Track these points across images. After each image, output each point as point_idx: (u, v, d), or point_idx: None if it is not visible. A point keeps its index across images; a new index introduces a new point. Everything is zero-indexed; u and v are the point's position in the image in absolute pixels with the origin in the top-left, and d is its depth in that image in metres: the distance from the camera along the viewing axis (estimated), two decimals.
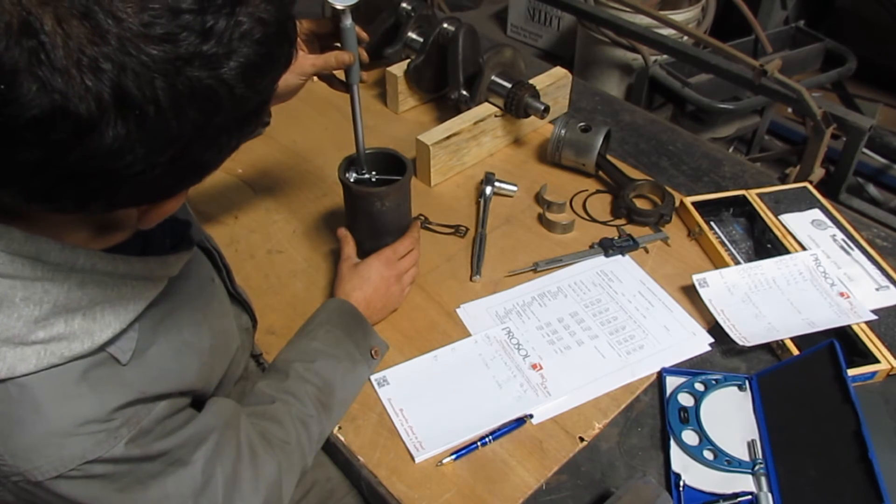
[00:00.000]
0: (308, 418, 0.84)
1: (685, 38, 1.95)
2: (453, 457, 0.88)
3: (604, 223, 1.23)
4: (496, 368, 0.99)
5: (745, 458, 0.87)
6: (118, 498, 0.61)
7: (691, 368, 0.99)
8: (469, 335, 1.03)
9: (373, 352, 0.95)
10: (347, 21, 0.96)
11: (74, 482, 0.57)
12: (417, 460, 0.88)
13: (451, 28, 1.39)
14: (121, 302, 0.58)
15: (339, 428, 0.92)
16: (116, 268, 0.58)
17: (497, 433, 0.89)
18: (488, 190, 1.26)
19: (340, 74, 1.02)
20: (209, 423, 0.70)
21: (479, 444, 0.89)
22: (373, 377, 0.97)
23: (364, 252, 1.10)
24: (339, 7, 0.92)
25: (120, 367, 0.59)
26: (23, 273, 0.53)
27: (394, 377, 0.97)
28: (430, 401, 0.94)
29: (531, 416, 0.91)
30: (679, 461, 0.87)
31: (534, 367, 0.99)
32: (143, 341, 0.62)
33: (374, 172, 1.05)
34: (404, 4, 1.51)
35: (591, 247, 1.18)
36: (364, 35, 1.00)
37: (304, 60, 0.96)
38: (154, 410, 0.62)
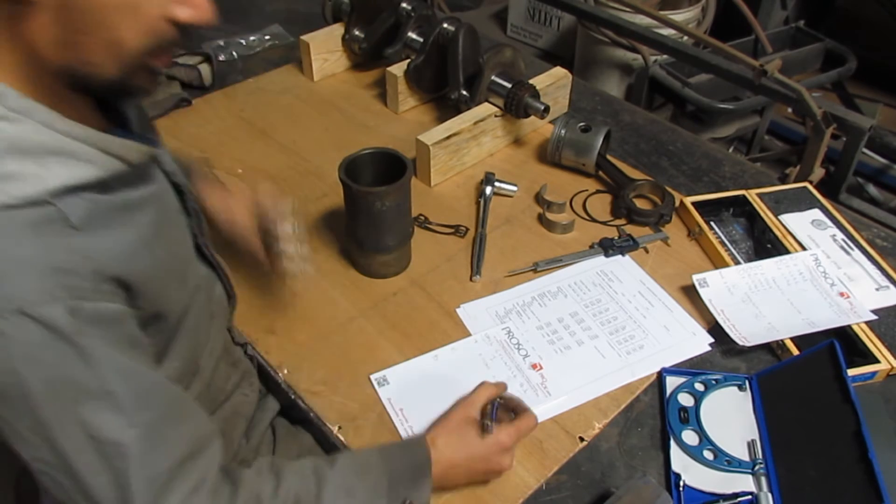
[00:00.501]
0: (267, 502, 0.71)
1: (685, 38, 1.95)
2: None
3: (604, 223, 1.23)
4: (496, 368, 0.99)
5: (745, 458, 0.87)
6: (37, 378, 0.58)
7: (691, 368, 0.99)
8: (469, 335, 1.03)
9: (405, 503, 0.78)
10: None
11: (4, 335, 0.56)
12: None
13: (451, 28, 1.39)
14: (73, 161, 0.60)
15: (339, 428, 0.92)
16: (72, 129, 0.60)
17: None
18: (488, 190, 1.26)
19: None
20: (173, 403, 0.67)
21: None
22: (373, 377, 0.97)
23: (364, 252, 1.10)
24: None
25: (71, 230, 0.60)
26: None
27: (394, 377, 0.97)
28: (429, 400, 0.94)
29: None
30: (679, 461, 0.87)
31: (534, 367, 0.99)
32: (99, 216, 0.62)
33: None
34: (404, 4, 1.51)
35: (591, 247, 1.18)
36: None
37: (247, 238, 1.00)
38: (104, 298, 0.61)
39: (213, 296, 0.88)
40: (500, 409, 0.87)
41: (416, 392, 0.96)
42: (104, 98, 0.71)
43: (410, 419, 0.92)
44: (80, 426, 0.60)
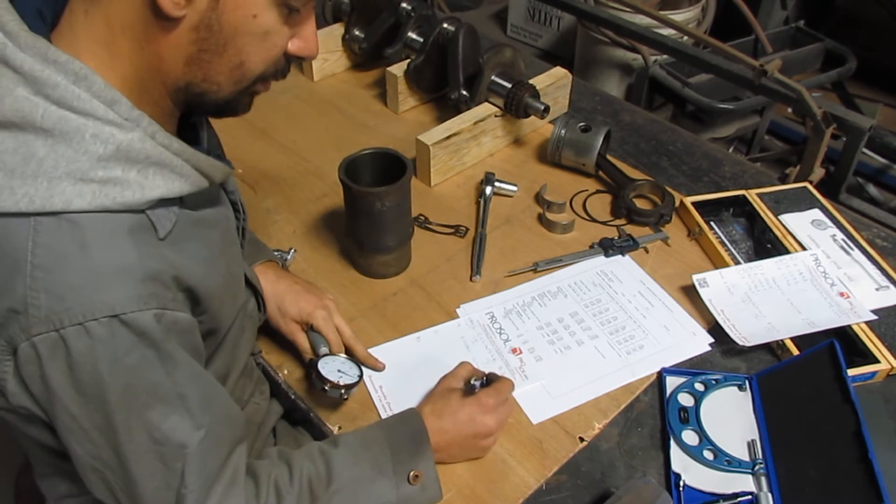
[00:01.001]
0: (287, 492, 0.74)
1: (685, 38, 1.95)
2: None
3: (604, 223, 1.23)
4: (476, 351, 1.00)
5: (745, 458, 0.87)
6: (118, 383, 0.60)
7: (691, 368, 0.99)
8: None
9: (411, 476, 0.79)
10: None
11: (94, 338, 0.58)
12: None
13: (451, 28, 1.39)
14: (170, 174, 0.63)
15: (339, 428, 0.92)
16: (171, 143, 0.62)
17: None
18: (488, 190, 1.26)
19: None
20: (225, 404, 0.70)
21: None
22: None
23: (364, 252, 1.10)
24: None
25: (158, 239, 0.63)
26: (98, 113, 0.58)
27: (376, 356, 0.99)
28: (410, 380, 0.97)
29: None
30: (679, 461, 0.87)
31: (514, 351, 1.00)
32: (180, 230, 0.65)
33: None
34: (404, 4, 1.51)
35: (591, 247, 1.18)
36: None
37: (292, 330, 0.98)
38: (180, 308, 0.64)
39: (248, 310, 0.89)
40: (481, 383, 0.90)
41: (396, 371, 0.98)
42: (190, 116, 0.73)
43: (389, 397, 0.95)
44: (146, 430, 0.63)
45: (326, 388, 0.88)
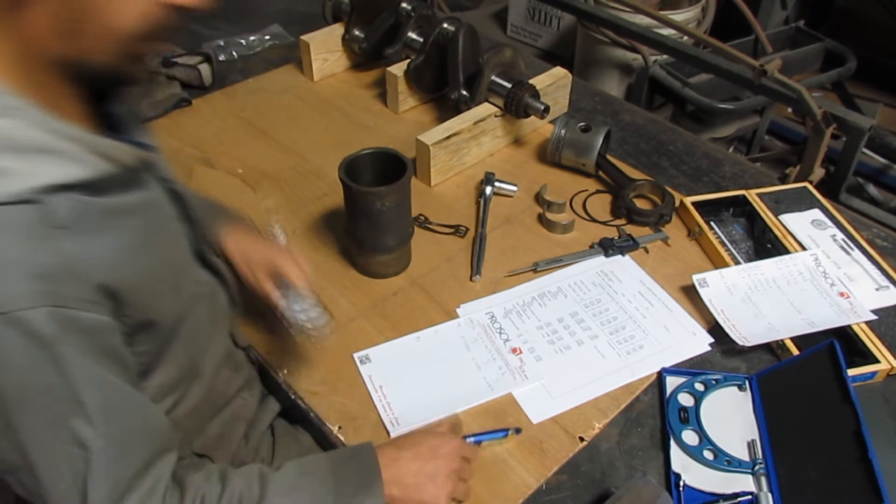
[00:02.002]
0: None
1: (685, 38, 1.95)
2: None
3: (604, 223, 1.23)
4: (476, 350, 1.00)
5: (745, 458, 0.87)
6: (10, 384, 0.58)
7: (691, 368, 0.99)
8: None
9: None
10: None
11: None
12: (392, 435, 0.89)
13: (451, 28, 1.39)
14: (60, 160, 0.60)
15: (340, 428, 0.92)
16: (61, 128, 0.60)
17: (479, 437, 0.89)
18: (488, 190, 1.26)
19: None
20: (139, 412, 0.67)
21: None
22: (355, 355, 0.99)
23: (364, 252, 1.10)
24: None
25: (58, 232, 0.60)
26: None
27: (376, 355, 0.99)
28: (409, 379, 0.97)
29: (518, 430, 0.90)
30: (679, 461, 0.87)
31: (513, 351, 1.00)
32: (88, 219, 0.62)
33: None
34: (404, 4, 1.51)
35: (591, 247, 1.18)
36: None
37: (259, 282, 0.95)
38: (84, 307, 0.60)
39: (217, 302, 0.88)
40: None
41: (396, 370, 0.98)
42: (99, 98, 0.71)
43: (389, 396, 0.94)
44: (49, 431, 0.61)
45: (293, 330, 0.88)
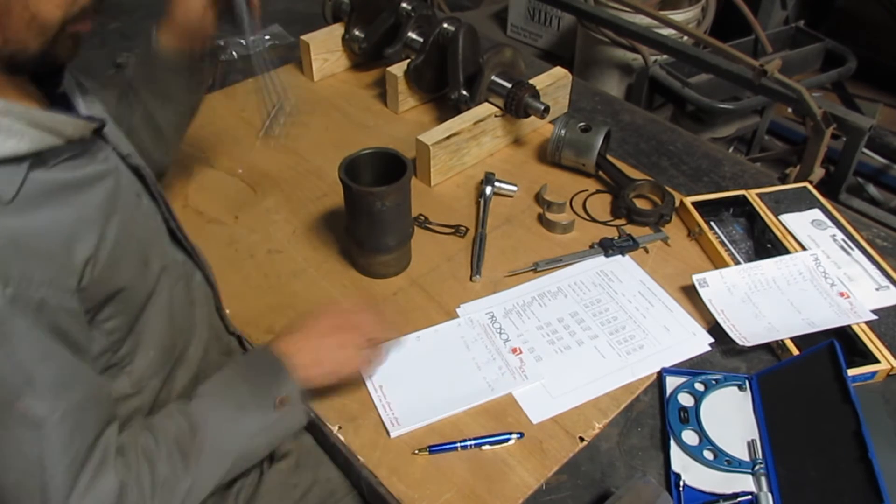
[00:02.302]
0: (157, 456, 0.72)
1: (685, 38, 1.95)
2: (428, 450, 0.88)
3: (604, 223, 1.23)
4: (476, 350, 1.00)
5: (745, 458, 0.87)
6: None
7: (691, 368, 0.99)
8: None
9: (277, 402, 0.80)
10: None
11: None
12: (392, 435, 0.90)
13: (451, 28, 1.39)
14: None
15: (339, 428, 0.92)
16: None
17: (479, 441, 0.89)
18: (488, 190, 1.26)
19: None
20: (89, 384, 0.67)
21: (459, 446, 0.89)
22: None
23: (364, 252, 1.10)
24: None
25: (1, 206, 0.59)
26: None
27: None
28: (409, 379, 0.96)
29: (521, 434, 0.90)
30: (679, 461, 0.87)
31: (514, 350, 1.00)
32: (36, 194, 0.62)
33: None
34: (404, 4, 1.51)
35: (591, 247, 1.18)
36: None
37: None
38: (31, 285, 0.60)
39: (193, 283, 0.88)
40: None
41: (396, 370, 0.97)
42: (42, 80, 0.71)
43: (389, 395, 0.94)
44: None
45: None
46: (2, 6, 0.60)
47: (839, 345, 0.88)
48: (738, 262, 1.12)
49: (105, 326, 0.72)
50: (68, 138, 0.65)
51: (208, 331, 0.91)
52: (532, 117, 1.33)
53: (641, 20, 2.01)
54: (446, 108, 1.43)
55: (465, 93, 1.36)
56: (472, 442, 0.89)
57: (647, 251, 1.17)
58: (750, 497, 0.83)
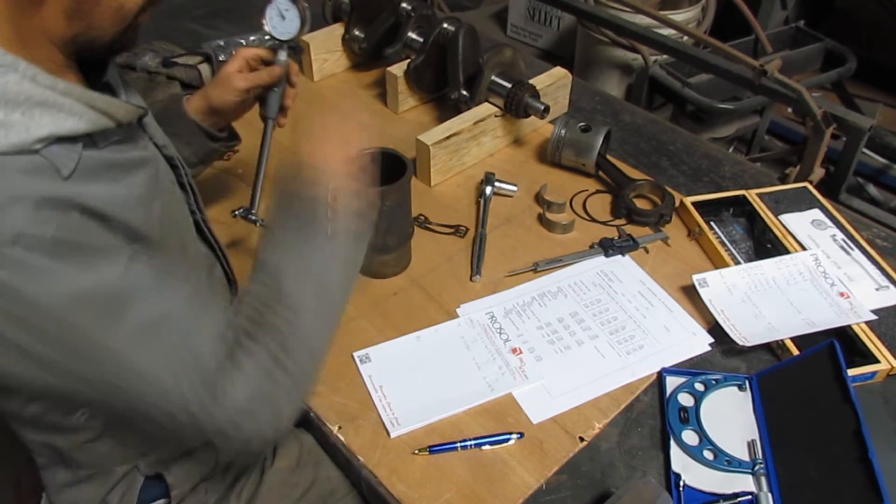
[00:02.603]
0: (272, 324, 0.71)
1: (685, 38, 1.95)
2: (428, 450, 0.88)
3: (604, 223, 1.23)
4: (476, 350, 1.00)
5: (745, 458, 0.87)
6: (58, 302, 0.60)
7: (691, 368, 0.99)
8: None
9: (329, 212, 0.76)
10: (282, 56, 1.01)
11: (10, 264, 0.57)
12: (393, 436, 0.90)
13: (451, 28, 1.39)
14: (59, 113, 0.62)
15: (339, 428, 0.92)
16: (56, 84, 0.62)
17: (480, 441, 0.89)
18: (488, 190, 1.26)
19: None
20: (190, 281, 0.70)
21: (459, 446, 0.89)
22: (355, 354, 0.99)
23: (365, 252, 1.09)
24: (280, 39, 1.00)
25: (60, 180, 0.62)
26: None
27: (376, 355, 0.99)
28: (409, 379, 0.97)
29: (521, 435, 0.90)
30: (679, 461, 0.87)
31: (514, 351, 1.00)
32: (88, 171, 0.64)
33: (261, 220, 1.02)
34: (404, 4, 1.51)
35: (591, 247, 1.18)
36: (294, 75, 1.05)
37: (238, 77, 1.00)
38: (92, 237, 0.62)
39: (214, 275, 0.90)
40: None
41: (396, 370, 0.98)
42: (88, 69, 0.73)
43: (389, 396, 0.94)
44: (123, 325, 0.63)
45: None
46: None
47: (839, 345, 0.88)
48: (738, 262, 1.12)
49: None
50: (119, 122, 0.68)
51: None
52: (532, 117, 1.33)
53: (641, 20, 2.02)
54: (446, 108, 1.43)
55: (465, 93, 1.36)
56: (472, 442, 0.89)
57: (647, 251, 1.17)
58: (750, 497, 0.83)
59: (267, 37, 1.02)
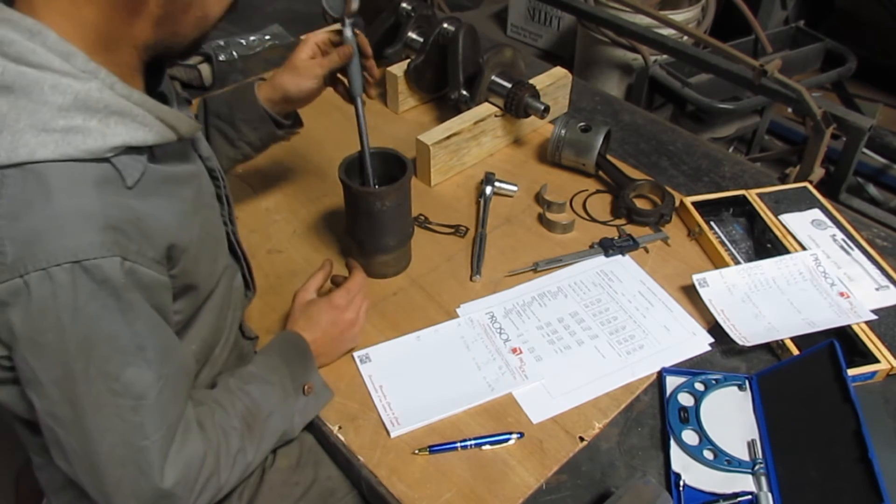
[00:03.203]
0: (231, 429, 0.78)
1: (685, 38, 1.95)
2: (428, 450, 0.88)
3: (604, 223, 1.23)
4: (476, 350, 1.00)
5: (745, 458, 0.87)
6: (78, 332, 0.61)
7: (691, 368, 0.99)
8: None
9: (305, 387, 0.89)
10: (347, 31, 1.00)
11: (56, 284, 0.59)
12: (393, 435, 0.90)
13: (451, 28, 1.39)
14: (132, 123, 0.64)
15: (340, 428, 0.92)
16: (131, 94, 0.64)
17: (480, 440, 0.89)
18: (488, 190, 1.26)
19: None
20: (182, 356, 0.73)
21: (459, 446, 0.89)
22: (355, 354, 0.99)
23: (364, 252, 1.10)
24: (334, 16, 0.98)
25: (125, 189, 0.64)
26: (53, 65, 0.60)
27: (376, 354, 1.00)
28: (409, 379, 0.97)
29: (521, 434, 0.90)
30: (679, 461, 0.87)
31: (513, 350, 1.00)
32: (149, 183, 0.66)
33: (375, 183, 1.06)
34: (404, 4, 1.51)
35: (591, 247, 1.18)
36: (366, 46, 1.04)
37: (313, 64, 1.02)
38: (144, 263, 0.64)
39: (234, 285, 0.91)
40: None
41: (396, 370, 0.98)
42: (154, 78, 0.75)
43: (389, 395, 0.94)
44: (105, 381, 0.64)
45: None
46: (184, 4, 0.66)
47: (839, 345, 0.88)
48: (738, 262, 1.12)
49: (173, 318, 0.74)
50: (181, 136, 0.70)
51: (233, 335, 0.93)
52: (532, 117, 1.33)
53: (641, 20, 2.02)
54: (446, 108, 1.43)
55: (465, 93, 1.36)
56: (472, 442, 0.89)
57: (647, 251, 1.17)
58: (750, 497, 0.83)
59: (331, 19, 1.01)
